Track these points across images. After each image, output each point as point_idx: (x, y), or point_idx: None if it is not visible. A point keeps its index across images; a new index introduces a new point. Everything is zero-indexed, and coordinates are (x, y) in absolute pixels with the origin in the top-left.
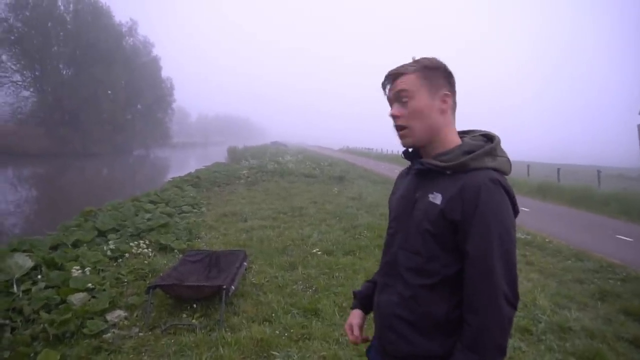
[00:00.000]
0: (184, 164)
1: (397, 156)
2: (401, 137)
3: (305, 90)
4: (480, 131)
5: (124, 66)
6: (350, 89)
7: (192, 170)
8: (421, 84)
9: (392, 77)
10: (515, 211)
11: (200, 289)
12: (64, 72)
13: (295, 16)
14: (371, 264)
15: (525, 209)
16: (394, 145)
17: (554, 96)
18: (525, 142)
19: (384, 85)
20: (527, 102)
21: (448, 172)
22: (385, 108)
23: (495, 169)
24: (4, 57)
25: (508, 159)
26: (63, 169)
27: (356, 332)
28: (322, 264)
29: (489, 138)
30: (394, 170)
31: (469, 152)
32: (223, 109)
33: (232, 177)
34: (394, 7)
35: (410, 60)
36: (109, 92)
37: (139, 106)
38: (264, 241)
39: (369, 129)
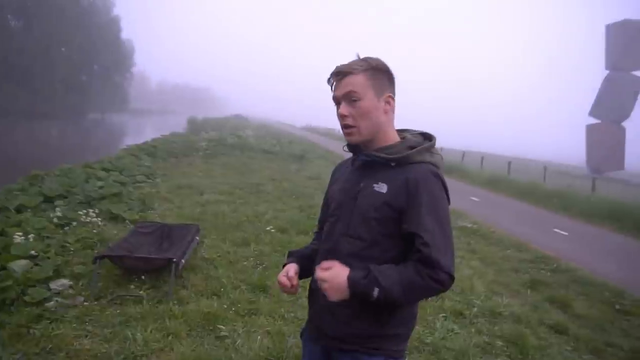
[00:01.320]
0: (140, 131)
1: None
2: (348, 134)
3: (273, 60)
4: (417, 130)
5: (80, 23)
6: (321, 61)
7: (149, 139)
8: (369, 84)
9: (341, 75)
10: (449, 201)
11: (149, 261)
12: (12, 23)
13: None
14: None
15: (475, 199)
16: None
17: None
18: (485, 135)
19: (330, 82)
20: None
21: (392, 164)
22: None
23: (432, 164)
24: None
25: (441, 157)
26: (8, 129)
27: (294, 281)
28: (275, 241)
29: (427, 137)
30: None
31: (411, 147)
32: (185, 76)
33: (190, 148)
34: None
35: (356, 58)
36: (63, 49)
37: (95, 67)
38: (219, 216)
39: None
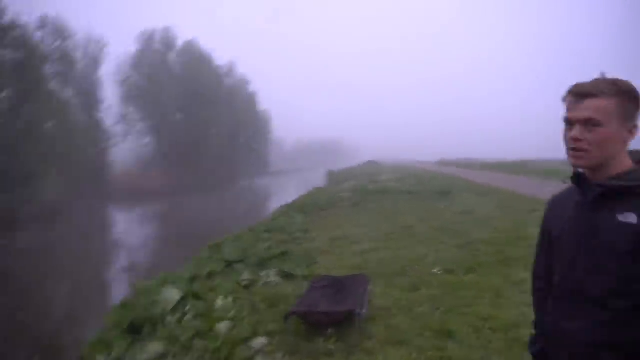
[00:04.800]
0: (284, 191)
1: (499, 163)
2: (575, 157)
3: (400, 105)
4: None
5: (225, 105)
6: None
7: (295, 197)
8: (615, 112)
9: (583, 96)
10: None
11: (333, 314)
12: (177, 117)
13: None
14: (497, 281)
15: None
16: (491, 152)
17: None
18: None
19: (566, 100)
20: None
21: (639, 190)
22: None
23: None
24: (130, 110)
25: None
26: (180, 205)
27: None
28: (444, 283)
29: None
30: (499, 180)
31: None
32: (316, 132)
33: (335, 200)
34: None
35: (600, 77)
36: (214, 130)
37: (240, 140)
38: (380, 263)
39: (462, 133)
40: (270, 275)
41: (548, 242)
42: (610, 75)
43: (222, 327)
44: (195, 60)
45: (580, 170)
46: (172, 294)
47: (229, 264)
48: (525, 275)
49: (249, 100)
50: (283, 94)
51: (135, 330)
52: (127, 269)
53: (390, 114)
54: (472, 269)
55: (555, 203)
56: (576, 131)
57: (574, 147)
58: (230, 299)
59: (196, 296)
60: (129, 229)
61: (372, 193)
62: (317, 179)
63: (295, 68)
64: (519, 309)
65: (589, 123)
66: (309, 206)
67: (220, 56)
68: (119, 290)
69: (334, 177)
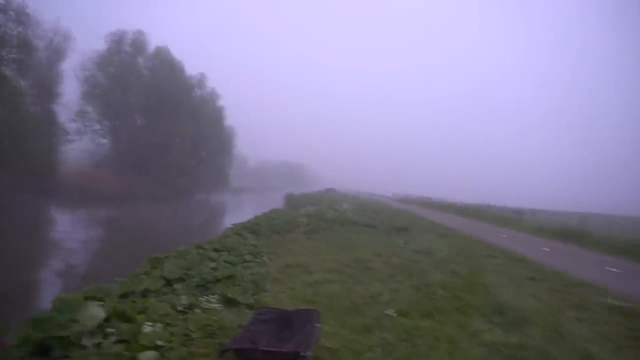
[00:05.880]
0: (241, 209)
1: (458, 206)
2: None
3: (363, 137)
4: None
5: (191, 116)
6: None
7: (250, 216)
8: None
9: None
10: None
11: (275, 354)
12: (138, 122)
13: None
14: (453, 330)
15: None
16: (453, 193)
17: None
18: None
19: None
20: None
21: None
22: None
23: None
24: (89, 109)
25: None
26: (130, 212)
27: None
28: (399, 327)
29: None
30: (457, 222)
31: None
32: (278, 154)
33: (292, 224)
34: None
35: None
36: (177, 139)
37: (202, 153)
38: (333, 297)
39: (420, 173)
40: (211, 301)
41: None
42: None
43: (146, 357)
44: (165, 67)
45: None
46: (96, 312)
47: (168, 282)
48: (482, 325)
49: (216, 114)
50: (251, 115)
51: (45, 352)
52: (57, 276)
53: (353, 146)
54: (428, 314)
55: None
56: None
57: None
58: (160, 325)
59: (123, 317)
60: (71, 230)
61: (330, 221)
62: (276, 201)
63: (260, 97)
64: None
65: None
66: (264, 228)
67: (194, 64)
68: (43, 300)
69: (293, 201)
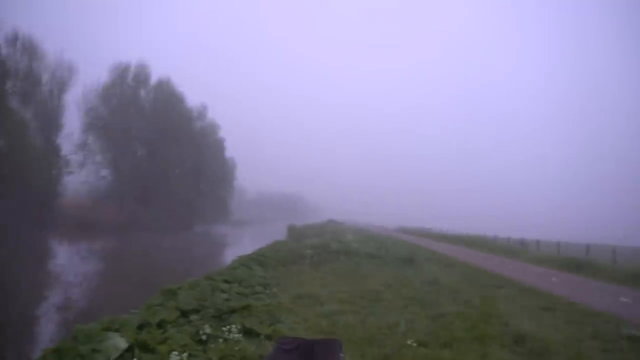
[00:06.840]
0: (243, 241)
1: (457, 237)
2: None
3: (362, 170)
4: None
5: (192, 147)
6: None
7: (253, 248)
8: None
9: None
10: None
11: None
12: (139, 153)
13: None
14: (475, 359)
15: None
16: (456, 224)
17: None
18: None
19: None
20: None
21: None
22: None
23: None
24: (90, 140)
25: None
26: (129, 243)
27: None
28: (419, 357)
29: None
30: (460, 253)
31: None
32: (279, 185)
33: (297, 255)
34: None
35: None
36: (177, 171)
37: (202, 184)
38: (349, 328)
39: (421, 204)
40: (232, 331)
41: None
42: None
43: None
44: (167, 99)
45: None
46: (118, 342)
47: (184, 313)
48: (504, 355)
49: (217, 146)
50: (252, 143)
51: None
52: (59, 308)
53: (351, 177)
54: (447, 344)
55: None
56: None
57: None
58: (186, 355)
59: (145, 347)
60: (69, 262)
61: (335, 252)
62: (277, 233)
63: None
64: None
65: None
66: (271, 259)
67: (194, 97)
68: (46, 332)
69: (295, 232)
